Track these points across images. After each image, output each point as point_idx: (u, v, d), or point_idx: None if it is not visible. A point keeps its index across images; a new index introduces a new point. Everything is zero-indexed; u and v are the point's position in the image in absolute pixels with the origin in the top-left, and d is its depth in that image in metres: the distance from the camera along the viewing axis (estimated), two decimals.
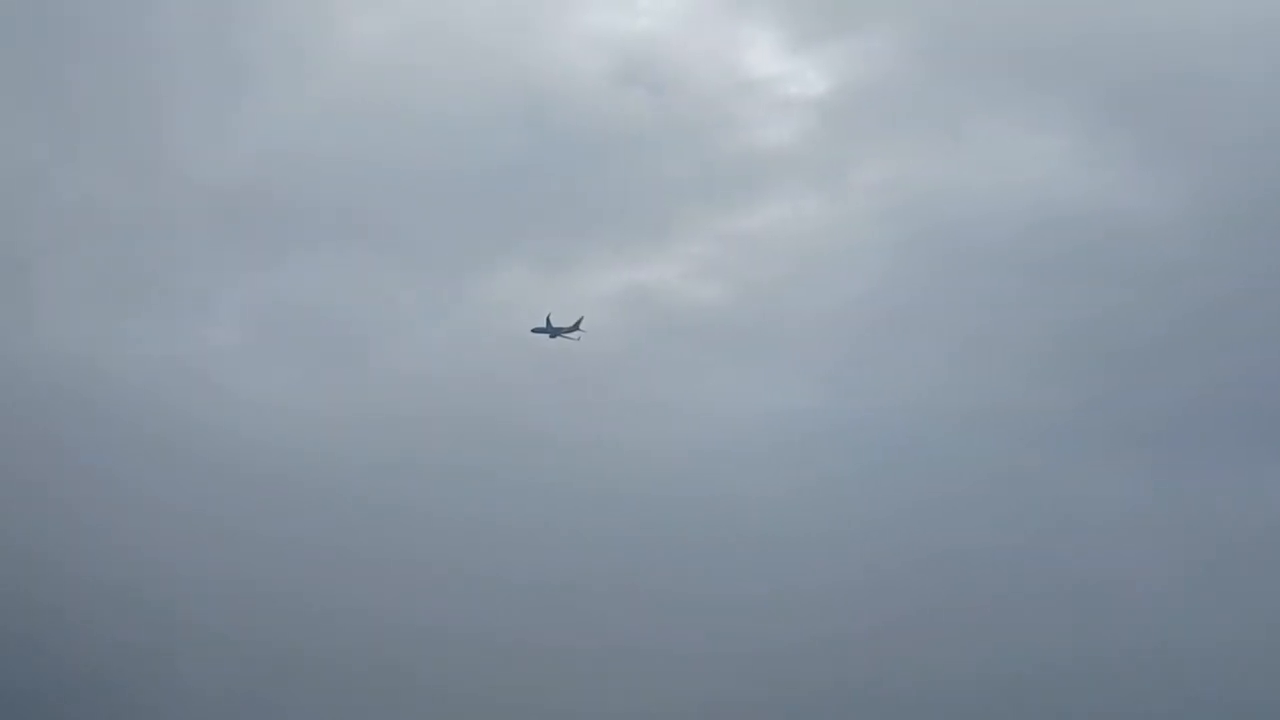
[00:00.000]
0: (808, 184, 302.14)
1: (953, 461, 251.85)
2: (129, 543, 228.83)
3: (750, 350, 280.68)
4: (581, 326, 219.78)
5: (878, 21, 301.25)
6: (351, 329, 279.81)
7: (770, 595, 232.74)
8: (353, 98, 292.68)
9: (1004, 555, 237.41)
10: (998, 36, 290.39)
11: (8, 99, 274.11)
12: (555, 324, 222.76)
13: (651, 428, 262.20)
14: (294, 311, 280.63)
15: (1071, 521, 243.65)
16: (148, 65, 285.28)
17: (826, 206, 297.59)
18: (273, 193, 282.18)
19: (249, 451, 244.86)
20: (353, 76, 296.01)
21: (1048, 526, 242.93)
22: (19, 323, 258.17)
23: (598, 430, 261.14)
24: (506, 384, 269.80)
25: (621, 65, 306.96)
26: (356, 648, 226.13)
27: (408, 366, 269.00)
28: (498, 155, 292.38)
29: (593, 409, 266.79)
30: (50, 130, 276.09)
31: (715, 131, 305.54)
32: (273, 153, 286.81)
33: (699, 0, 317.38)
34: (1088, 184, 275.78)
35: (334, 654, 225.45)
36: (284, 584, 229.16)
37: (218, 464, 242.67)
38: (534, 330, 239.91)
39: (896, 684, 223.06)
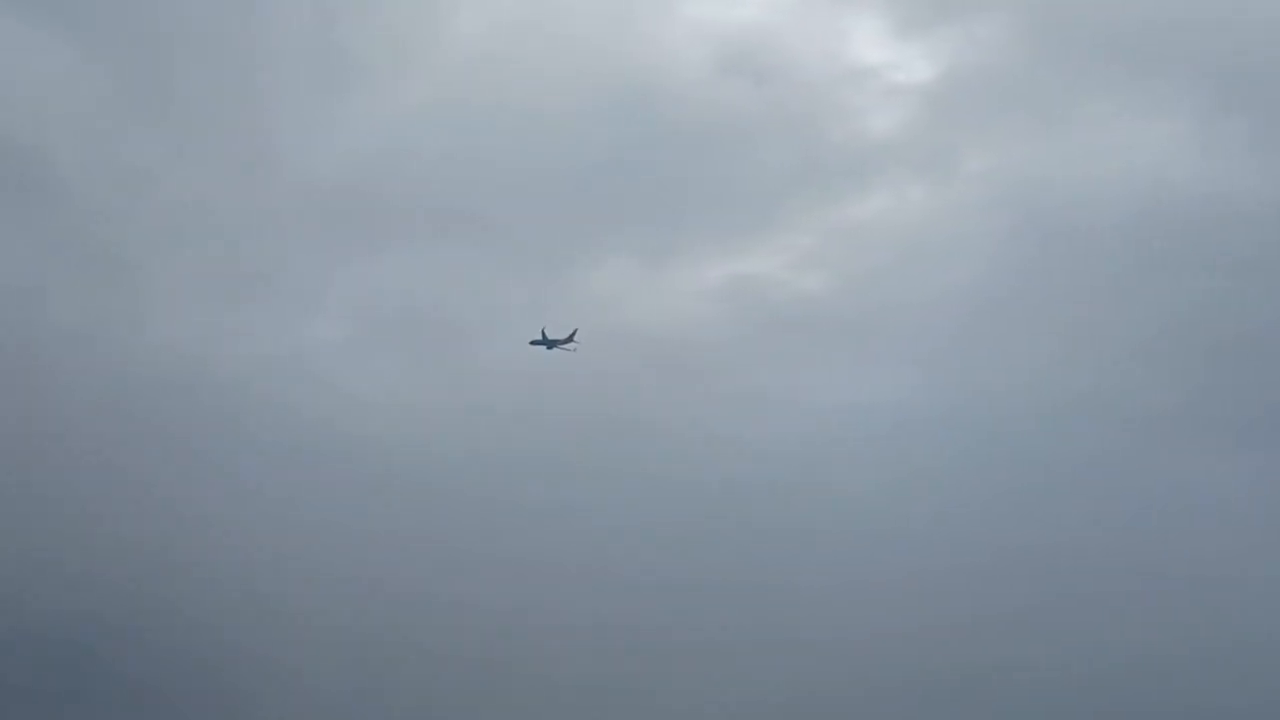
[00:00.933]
0: (913, 172, 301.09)
1: (1055, 451, 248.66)
2: (239, 538, 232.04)
3: (853, 341, 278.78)
4: (575, 338, 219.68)
5: (984, 6, 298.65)
6: (455, 324, 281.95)
7: (871, 585, 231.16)
8: (456, 93, 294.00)
9: (1104, 547, 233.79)
10: (1107, 20, 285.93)
11: (119, 100, 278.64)
12: (551, 336, 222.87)
13: (754, 419, 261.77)
14: (398, 307, 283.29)
15: (1175, 513, 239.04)
16: (255, 65, 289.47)
17: (932, 195, 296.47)
18: (377, 189, 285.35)
19: (356, 446, 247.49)
20: (456, 72, 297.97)
21: (1150, 518, 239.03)
22: (130, 320, 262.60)
23: (700, 422, 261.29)
24: (609, 377, 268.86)
25: (724, 55, 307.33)
26: (464, 641, 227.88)
27: (510, 361, 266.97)
28: (600, 148, 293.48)
29: (695, 401, 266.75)
30: (160, 130, 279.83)
31: (819, 121, 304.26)
32: (377, 149, 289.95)
33: None
34: (1198, 169, 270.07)
35: (443, 647, 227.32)
36: (392, 578, 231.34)
37: (325, 459, 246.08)
38: (532, 343, 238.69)
39: (990, 676, 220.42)
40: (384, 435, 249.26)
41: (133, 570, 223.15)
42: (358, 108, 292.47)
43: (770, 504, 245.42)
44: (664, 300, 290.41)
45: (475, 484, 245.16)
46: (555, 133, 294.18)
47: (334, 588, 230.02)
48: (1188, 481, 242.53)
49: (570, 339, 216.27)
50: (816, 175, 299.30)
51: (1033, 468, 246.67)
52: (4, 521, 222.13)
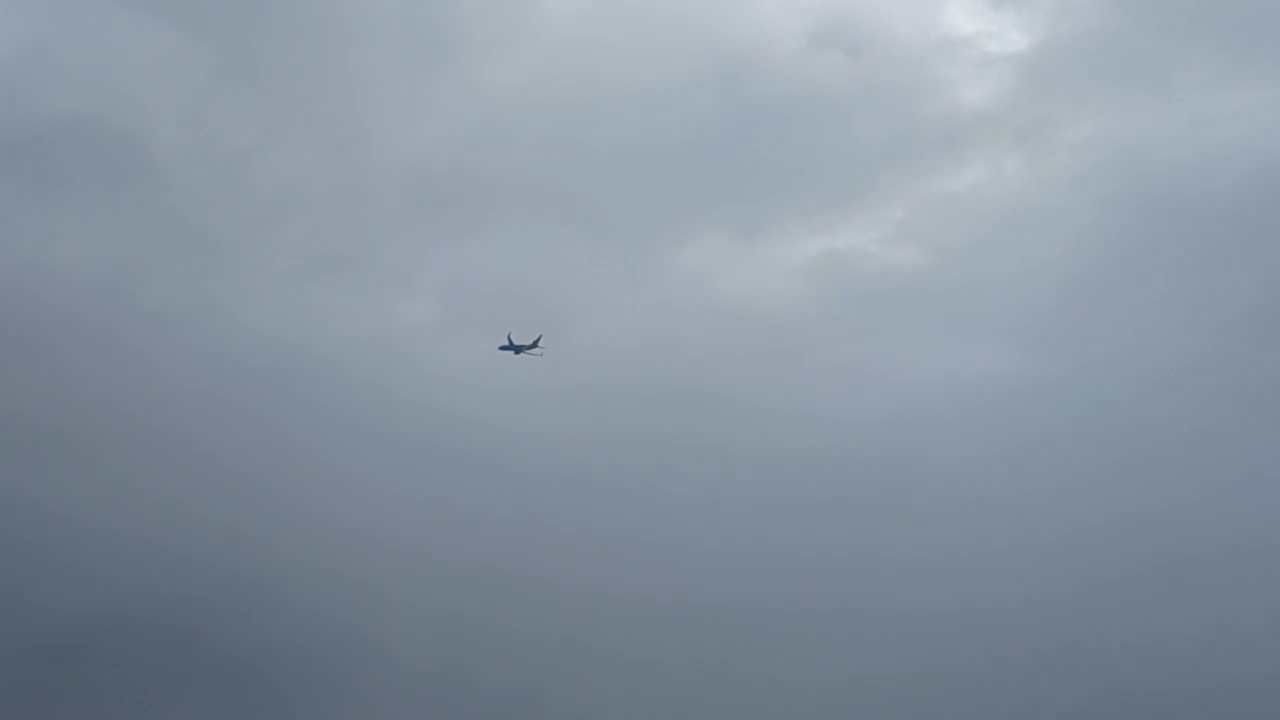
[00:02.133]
0: (1008, 143, 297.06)
1: (1156, 421, 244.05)
2: (334, 518, 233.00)
3: (947, 314, 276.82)
4: (540, 344, 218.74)
5: None
6: (546, 303, 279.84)
7: (970, 559, 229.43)
8: (548, 73, 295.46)
9: (1207, 515, 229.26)
10: None
11: (215, 84, 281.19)
12: (516, 342, 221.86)
13: (847, 394, 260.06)
14: (490, 286, 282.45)
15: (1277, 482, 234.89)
16: (349, 47, 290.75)
17: (1027, 166, 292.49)
18: (470, 169, 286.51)
19: (448, 427, 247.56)
20: (548, 52, 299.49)
21: (1252, 487, 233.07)
22: (225, 302, 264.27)
23: (794, 398, 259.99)
24: (701, 354, 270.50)
25: (818, 28, 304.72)
26: (554, 619, 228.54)
27: (602, 339, 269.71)
28: (692, 124, 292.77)
29: (788, 377, 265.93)
30: (255, 113, 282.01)
31: (913, 93, 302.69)
32: (471, 129, 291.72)
33: None
34: None
35: (532, 625, 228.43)
36: (484, 557, 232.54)
37: (417, 439, 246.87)
38: (500, 348, 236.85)
39: (1094, 645, 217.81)
40: (476, 415, 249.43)
41: (234, 553, 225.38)
42: (452, 88, 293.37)
43: (866, 479, 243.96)
44: (755, 276, 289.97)
45: (567, 463, 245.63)
46: (647, 110, 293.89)
47: (427, 567, 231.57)
48: None
49: (535, 344, 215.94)
50: (909, 148, 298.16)
51: (1134, 438, 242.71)
52: (106, 507, 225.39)
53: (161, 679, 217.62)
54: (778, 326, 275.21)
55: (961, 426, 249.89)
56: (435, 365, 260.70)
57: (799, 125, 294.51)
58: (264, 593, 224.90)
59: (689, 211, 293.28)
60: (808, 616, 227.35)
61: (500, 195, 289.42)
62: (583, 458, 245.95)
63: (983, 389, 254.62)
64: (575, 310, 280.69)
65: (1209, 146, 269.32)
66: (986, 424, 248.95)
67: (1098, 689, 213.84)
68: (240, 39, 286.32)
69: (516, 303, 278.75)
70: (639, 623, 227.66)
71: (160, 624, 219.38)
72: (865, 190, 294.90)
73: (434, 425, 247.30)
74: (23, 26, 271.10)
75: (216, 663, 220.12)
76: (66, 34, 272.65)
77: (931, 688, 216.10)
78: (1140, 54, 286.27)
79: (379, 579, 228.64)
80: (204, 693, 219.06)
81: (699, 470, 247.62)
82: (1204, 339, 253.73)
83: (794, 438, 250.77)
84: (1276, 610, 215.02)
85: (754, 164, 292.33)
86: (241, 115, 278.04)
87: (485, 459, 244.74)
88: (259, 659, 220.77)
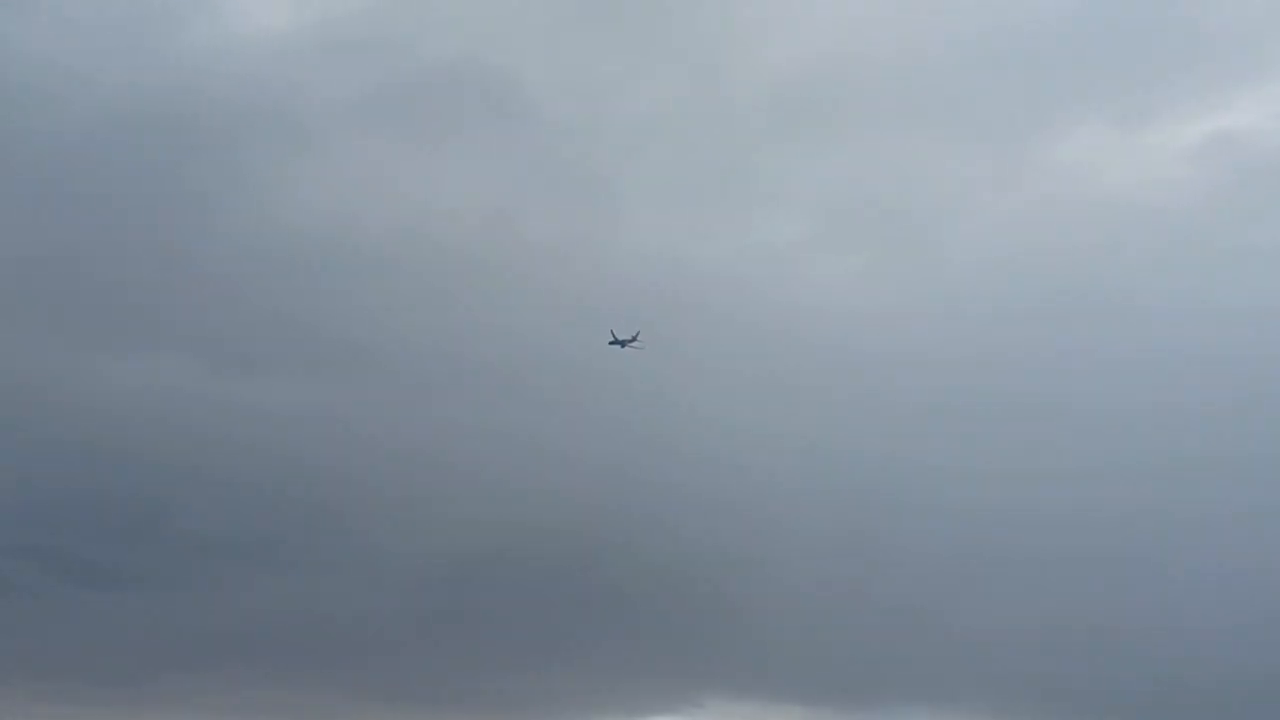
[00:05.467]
0: None
1: None
2: (710, 449, 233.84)
3: None
4: (639, 338, 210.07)
5: None
6: (918, 213, 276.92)
7: None
8: None
9: None
10: None
11: (579, 17, 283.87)
12: (620, 336, 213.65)
13: (1245, 282, 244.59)
14: (860, 200, 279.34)
15: None
16: None
17: None
18: (832, 80, 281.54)
19: (823, 354, 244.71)
20: None
21: None
22: (605, 228, 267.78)
23: (1189, 290, 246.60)
24: (1084, 252, 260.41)
25: None
26: (938, 536, 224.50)
27: (979, 247, 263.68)
28: (1059, 6, 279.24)
29: (1179, 268, 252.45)
30: (620, 43, 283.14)
31: None
32: (830, 41, 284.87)
33: None
34: None
35: (915, 542, 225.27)
36: (863, 486, 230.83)
37: (788, 363, 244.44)
38: (610, 344, 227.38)
39: None
40: (852, 339, 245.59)
41: (614, 486, 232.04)
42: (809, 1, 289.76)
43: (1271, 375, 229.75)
44: (1140, 164, 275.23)
45: (944, 385, 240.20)
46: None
47: (808, 492, 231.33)
48: None
49: (635, 338, 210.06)
50: None
51: None
52: (487, 443, 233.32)
53: (543, 608, 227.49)
54: (1165, 215, 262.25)
55: None
56: (806, 283, 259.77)
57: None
58: (650, 524, 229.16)
59: (1062, 101, 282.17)
60: (1221, 520, 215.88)
61: (864, 104, 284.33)
62: (960, 378, 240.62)
63: None
64: (946, 217, 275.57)
65: None
66: None
67: None
68: None
69: (886, 214, 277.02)
70: (1024, 535, 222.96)
71: (534, 554, 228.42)
72: (1257, 64, 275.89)
73: (803, 349, 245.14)
74: None
75: (595, 591, 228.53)
76: None
77: None
78: None
79: (760, 505, 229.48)
80: (589, 619, 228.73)
81: (1089, 382, 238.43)
82: None
83: (1194, 334, 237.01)
84: None
85: (1132, 45, 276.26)
86: (607, 46, 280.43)
87: (858, 384, 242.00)
88: (646, 586, 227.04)
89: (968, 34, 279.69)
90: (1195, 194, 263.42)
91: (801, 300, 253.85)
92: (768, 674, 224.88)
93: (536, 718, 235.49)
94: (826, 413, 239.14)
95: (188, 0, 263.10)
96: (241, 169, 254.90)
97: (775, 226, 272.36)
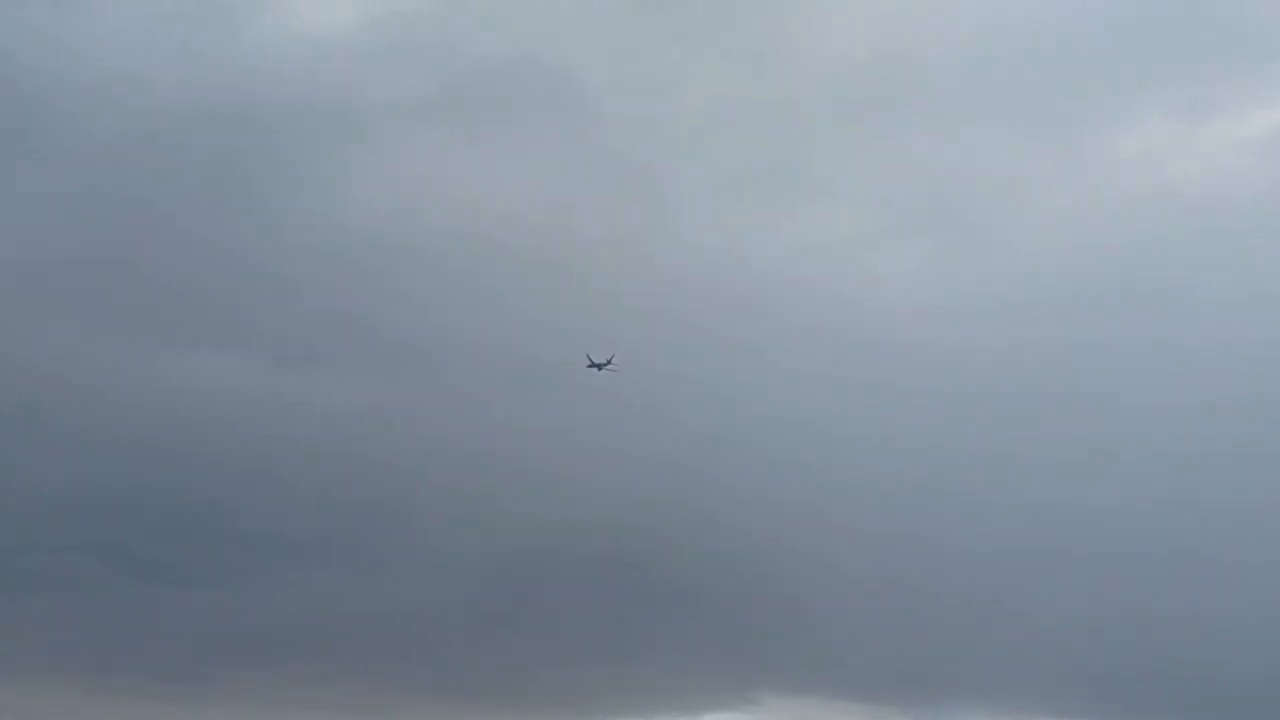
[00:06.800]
0: None
1: None
2: (764, 447, 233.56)
3: None
4: (614, 361, 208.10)
5: None
6: (978, 206, 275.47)
7: None
8: None
9: None
10: None
11: (636, 12, 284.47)
12: (596, 360, 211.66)
13: None
14: (919, 193, 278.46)
15: None
16: None
17: None
18: (891, 71, 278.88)
19: (882, 349, 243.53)
20: None
21: None
22: (660, 222, 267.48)
23: (1246, 280, 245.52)
24: (1147, 245, 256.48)
25: None
26: (996, 533, 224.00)
27: (1040, 240, 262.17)
28: None
29: (1241, 260, 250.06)
30: (677, 37, 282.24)
31: None
32: (889, 31, 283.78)
33: None
34: None
35: (973, 540, 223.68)
36: (923, 481, 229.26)
37: (847, 359, 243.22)
38: (588, 366, 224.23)
39: None
40: (914, 335, 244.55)
41: (671, 481, 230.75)
42: None
43: None
44: (1202, 156, 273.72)
45: (1003, 376, 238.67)
46: None
47: (866, 488, 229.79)
48: None
49: (610, 361, 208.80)
50: None
51: None
52: (545, 440, 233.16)
53: (604, 606, 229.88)
54: (1227, 207, 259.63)
55: None
56: (866, 277, 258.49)
57: None
58: (705, 518, 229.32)
59: (1124, 93, 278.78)
60: None
61: (925, 96, 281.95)
62: (1021, 372, 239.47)
63: None
64: (1007, 210, 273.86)
65: None
66: None
67: None
68: None
69: (945, 207, 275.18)
70: (1087, 529, 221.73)
71: (592, 554, 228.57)
72: None
73: (863, 344, 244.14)
74: None
75: (658, 586, 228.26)
76: None
77: None
78: None
79: (818, 500, 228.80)
80: (649, 616, 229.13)
81: (1151, 375, 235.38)
82: None
83: (1258, 326, 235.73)
84: None
85: (1198, 36, 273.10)
86: (664, 41, 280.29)
87: (918, 379, 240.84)
88: (703, 583, 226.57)
89: (1030, 25, 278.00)
90: (1258, 185, 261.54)
91: (861, 295, 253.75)
92: (826, 670, 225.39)
93: (593, 715, 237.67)
94: (886, 408, 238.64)
95: (246, 1, 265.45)
96: (300, 168, 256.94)
97: (834, 221, 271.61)
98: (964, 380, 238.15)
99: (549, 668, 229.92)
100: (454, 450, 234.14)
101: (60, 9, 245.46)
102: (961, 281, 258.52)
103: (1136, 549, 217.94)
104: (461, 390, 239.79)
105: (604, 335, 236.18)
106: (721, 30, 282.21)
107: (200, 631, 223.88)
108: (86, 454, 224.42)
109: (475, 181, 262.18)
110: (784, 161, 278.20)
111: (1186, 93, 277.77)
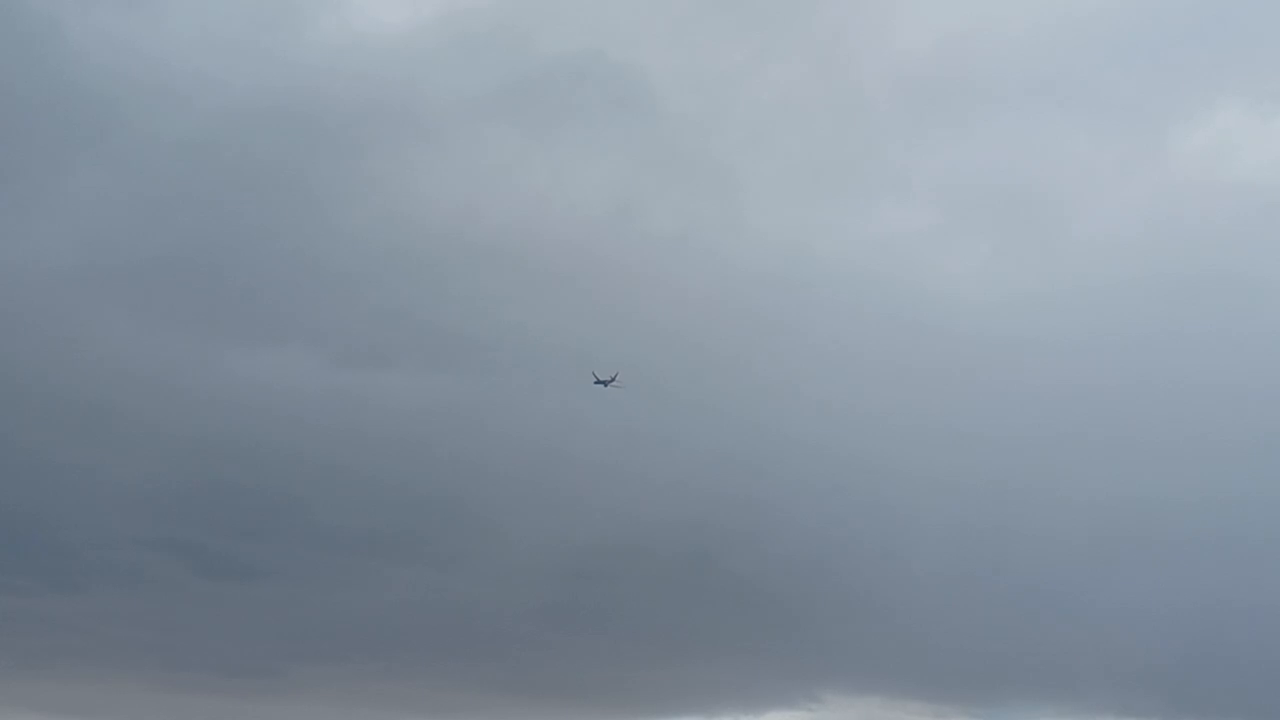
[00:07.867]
0: None
1: None
2: (843, 442, 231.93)
3: None
4: (618, 379, 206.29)
5: None
6: (1046, 198, 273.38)
7: None
8: None
9: None
10: None
11: (702, 9, 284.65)
12: (601, 377, 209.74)
13: None
14: (987, 186, 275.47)
15: None
16: None
17: None
18: (957, 64, 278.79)
19: (951, 342, 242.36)
20: None
21: None
22: (725, 221, 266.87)
23: None
24: (1216, 235, 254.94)
25: None
26: (1067, 525, 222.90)
27: (1109, 232, 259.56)
28: None
29: None
30: (742, 34, 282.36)
31: None
32: (957, 23, 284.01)
33: None
34: None
35: (1050, 536, 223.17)
36: (991, 474, 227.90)
37: (912, 353, 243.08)
38: (594, 383, 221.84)
39: None
40: (976, 328, 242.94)
41: (730, 475, 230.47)
42: None
43: None
44: (1273, 148, 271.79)
45: (1072, 369, 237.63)
46: None
47: (936, 483, 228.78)
48: None
49: (614, 379, 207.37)
50: None
51: None
52: (614, 436, 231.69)
53: (669, 601, 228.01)
54: None
55: None
56: (934, 271, 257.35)
57: None
58: (771, 513, 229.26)
59: (1199, 85, 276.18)
60: None
61: (990, 89, 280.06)
62: (1090, 363, 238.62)
63: None
64: (1076, 203, 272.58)
65: None
66: None
67: None
68: None
69: (1014, 201, 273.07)
70: (1156, 522, 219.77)
71: (670, 549, 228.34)
72: None
73: (932, 337, 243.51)
74: None
75: (725, 581, 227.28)
76: None
77: None
78: None
79: (887, 495, 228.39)
80: (714, 610, 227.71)
81: (1221, 364, 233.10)
82: None
83: None
84: None
85: (1270, 28, 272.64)
86: (729, 38, 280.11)
87: (987, 371, 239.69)
88: (768, 580, 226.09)
89: (1099, 16, 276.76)
90: None
91: (929, 289, 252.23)
92: (889, 669, 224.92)
93: (657, 712, 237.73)
94: (955, 400, 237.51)
95: (311, 1, 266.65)
96: (366, 165, 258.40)
97: (902, 215, 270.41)
98: (1034, 372, 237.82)
99: (614, 665, 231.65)
100: (523, 446, 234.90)
101: (130, 12, 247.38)
102: (1031, 273, 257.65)
103: (1213, 541, 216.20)
104: (527, 386, 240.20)
105: (669, 330, 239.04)
106: (787, 25, 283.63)
107: (271, 627, 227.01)
108: (157, 451, 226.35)
109: (540, 179, 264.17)
110: (851, 156, 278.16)
111: (1258, 86, 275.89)
